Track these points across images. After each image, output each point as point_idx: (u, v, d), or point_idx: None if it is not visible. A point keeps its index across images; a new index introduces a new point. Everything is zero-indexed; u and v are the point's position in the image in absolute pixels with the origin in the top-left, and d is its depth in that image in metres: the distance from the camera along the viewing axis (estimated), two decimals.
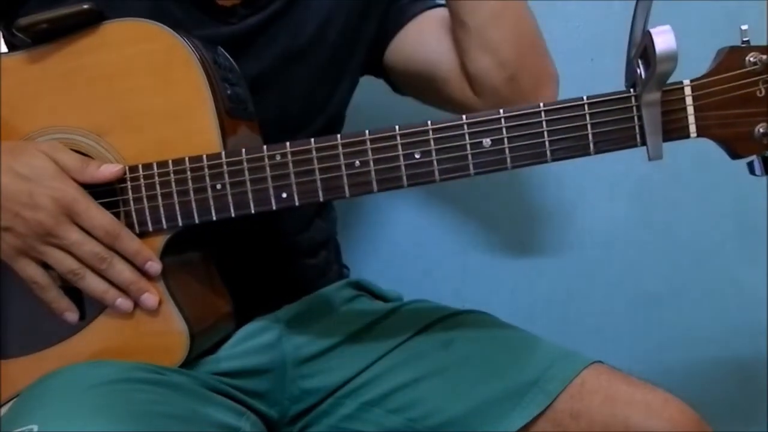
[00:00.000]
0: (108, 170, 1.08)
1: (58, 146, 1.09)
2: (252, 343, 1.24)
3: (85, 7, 1.08)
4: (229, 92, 1.11)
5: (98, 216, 1.07)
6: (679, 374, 1.79)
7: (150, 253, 1.09)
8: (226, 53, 1.17)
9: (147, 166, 1.09)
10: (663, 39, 0.89)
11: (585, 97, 1.00)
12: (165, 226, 1.09)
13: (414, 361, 1.26)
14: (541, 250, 1.77)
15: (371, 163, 1.04)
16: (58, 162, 1.06)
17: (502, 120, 1.01)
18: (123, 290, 1.09)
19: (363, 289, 1.44)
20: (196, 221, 1.08)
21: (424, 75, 1.37)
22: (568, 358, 1.19)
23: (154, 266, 1.09)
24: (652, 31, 0.89)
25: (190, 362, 1.13)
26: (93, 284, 1.08)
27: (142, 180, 1.09)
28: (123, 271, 1.08)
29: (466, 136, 1.02)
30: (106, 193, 1.09)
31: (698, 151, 1.65)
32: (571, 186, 1.73)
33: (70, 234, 1.06)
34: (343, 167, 1.04)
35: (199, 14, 1.22)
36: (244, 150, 1.06)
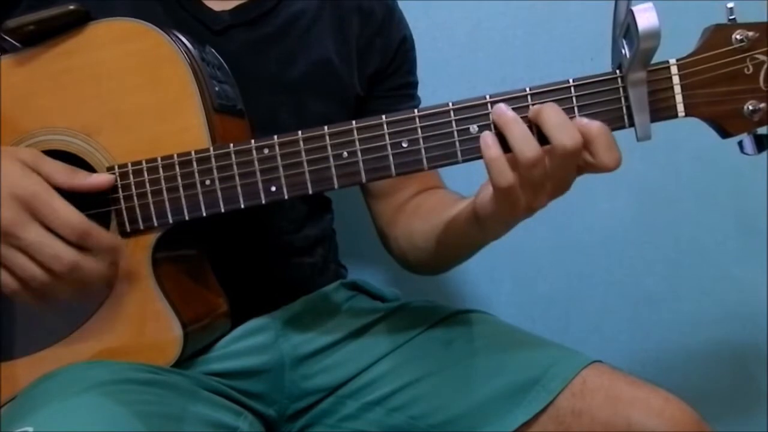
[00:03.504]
0: (97, 179, 1.07)
1: (41, 155, 1.06)
2: (247, 343, 1.24)
3: (72, 8, 1.08)
4: (217, 89, 1.11)
5: (63, 211, 1.02)
6: (679, 374, 1.79)
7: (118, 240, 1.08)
8: (214, 51, 1.17)
9: (136, 164, 1.08)
10: (645, 16, 0.89)
11: (571, 80, 1.00)
12: (156, 224, 1.09)
13: (415, 361, 1.26)
14: (541, 250, 1.77)
15: (359, 153, 1.03)
16: (41, 171, 1.03)
17: (489, 105, 1.01)
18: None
19: (358, 289, 1.43)
20: (186, 218, 1.08)
21: None
22: (570, 357, 1.19)
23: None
24: (634, 9, 0.89)
25: (183, 361, 1.13)
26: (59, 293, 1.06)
27: (131, 178, 1.09)
28: (93, 270, 1.05)
29: (453, 123, 1.01)
30: (96, 193, 1.08)
31: (698, 151, 1.67)
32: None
33: (29, 233, 1.00)
34: (331, 158, 1.04)
35: (182, 14, 1.23)
36: (232, 144, 1.06)
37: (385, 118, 1.03)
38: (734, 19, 0.98)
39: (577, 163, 0.99)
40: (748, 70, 0.97)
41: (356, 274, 1.50)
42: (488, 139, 0.99)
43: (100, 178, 1.07)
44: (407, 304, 1.39)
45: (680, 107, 0.99)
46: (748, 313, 1.76)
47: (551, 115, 0.97)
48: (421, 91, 1.45)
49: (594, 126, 0.97)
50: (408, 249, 1.34)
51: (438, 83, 1.62)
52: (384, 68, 1.37)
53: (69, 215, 1.02)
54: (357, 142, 1.03)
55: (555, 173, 0.99)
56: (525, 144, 0.97)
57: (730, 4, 0.97)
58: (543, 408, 1.15)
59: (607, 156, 0.97)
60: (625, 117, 0.99)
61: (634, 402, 1.12)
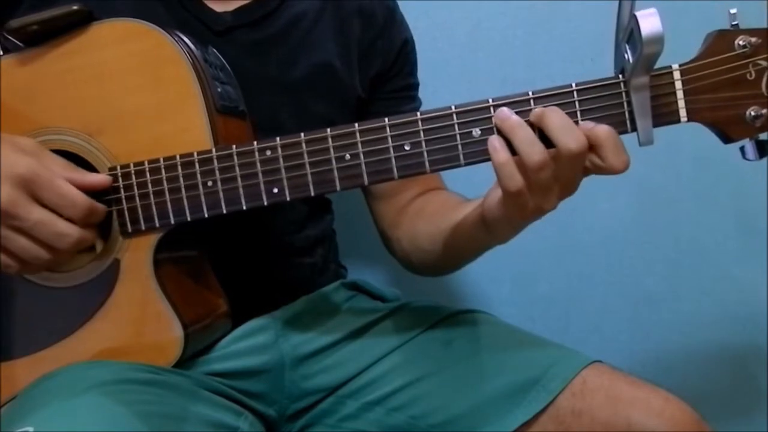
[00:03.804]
0: (95, 179, 1.07)
1: (40, 147, 1.07)
2: (247, 343, 1.24)
3: (75, 8, 1.08)
4: (219, 90, 1.11)
5: (68, 191, 1.03)
6: (679, 374, 1.79)
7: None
8: (216, 52, 1.17)
9: (138, 164, 1.09)
10: (649, 22, 0.88)
11: (574, 84, 0.99)
12: (157, 224, 1.09)
13: (415, 361, 1.26)
14: (541, 250, 1.77)
15: (361, 155, 1.03)
16: (42, 162, 1.03)
17: (492, 109, 1.00)
18: None
19: (358, 289, 1.43)
20: (188, 219, 1.08)
21: None
22: (570, 357, 1.20)
23: None
24: (638, 14, 0.89)
25: (184, 361, 1.13)
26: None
27: (133, 179, 1.09)
28: (91, 241, 1.08)
29: (456, 126, 1.01)
30: (98, 193, 1.08)
31: (698, 151, 1.66)
32: None
33: (32, 214, 1.01)
34: (334, 160, 1.04)
35: (184, 15, 1.22)
36: (234, 145, 1.06)
37: (388, 121, 1.03)
38: (737, 24, 0.98)
39: (584, 164, 0.99)
40: (751, 75, 0.97)
41: (356, 274, 1.50)
42: (496, 143, 0.99)
43: (98, 178, 1.08)
44: (407, 304, 1.39)
45: (682, 112, 0.99)
46: (748, 313, 1.76)
47: (554, 118, 0.97)
48: (422, 92, 1.45)
49: (602, 130, 0.97)
50: (412, 251, 1.34)
51: (438, 83, 1.62)
52: (386, 70, 1.37)
53: (75, 195, 1.03)
54: (359, 145, 1.03)
55: (562, 175, 0.99)
56: (530, 148, 0.97)
57: (733, 10, 0.97)
58: (543, 408, 1.15)
59: (616, 159, 0.98)
60: (628, 122, 0.99)
61: (634, 402, 1.12)
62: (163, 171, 1.08)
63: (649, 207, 1.76)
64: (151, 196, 1.08)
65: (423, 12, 1.67)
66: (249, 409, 1.21)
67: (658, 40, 0.89)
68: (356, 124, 1.04)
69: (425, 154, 1.02)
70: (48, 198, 1.02)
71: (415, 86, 1.44)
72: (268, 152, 1.05)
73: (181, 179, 1.07)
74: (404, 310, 1.37)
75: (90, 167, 1.10)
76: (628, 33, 0.93)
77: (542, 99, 1.00)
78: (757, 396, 1.78)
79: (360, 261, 1.68)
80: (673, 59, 0.99)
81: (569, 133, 0.96)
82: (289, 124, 1.26)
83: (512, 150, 0.99)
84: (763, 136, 0.99)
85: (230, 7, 1.24)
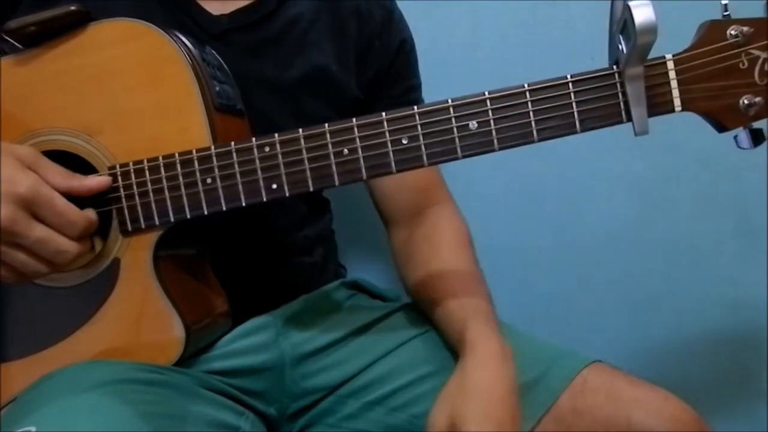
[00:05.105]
0: (93, 181, 1.08)
1: (39, 155, 1.06)
2: (248, 341, 1.24)
3: (73, 8, 1.09)
4: (217, 89, 1.11)
5: (66, 210, 1.03)
6: (679, 374, 1.79)
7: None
8: (214, 52, 1.17)
9: (137, 163, 1.09)
10: (642, 11, 0.89)
11: (569, 76, 1.00)
12: (157, 222, 1.09)
13: (416, 360, 1.27)
14: (541, 250, 1.77)
15: (359, 150, 1.04)
16: (38, 171, 1.03)
17: (488, 102, 1.01)
18: None
19: (358, 288, 1.44)
20: (188, 216, 1.08)
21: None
22: (570, 357, 1.20)
23: None
24: (631, 4, 0.90)
25: (185, 360, 1.13)
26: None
27: (133, 177, 1.09)
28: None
29: (453, 120, 1.02)
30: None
31: (698, 151, 1.66)
32: (570, 185, 1.74)
33: (33, 232, 1.01)
34: (332, 155, 1.05)
35: (181, 17, 1.23)
36: (233, 143, 1.07)
37: (385, 115, 1.04)
38: (728, 15, 0.98)
39: None
40: (743, 64, 0.98)
41: (356, 274, 1.50)
42: None
43: (98, 181, 1.08)
44: (408, 304, 1.39)
45: (677, 102, 0.99)
46: (748, 314, 1.76)
47: None
48: (422, 92, 1.45)
49: None
50: (404, 277, 1.38)
51: (438, 83, 1.62)
52: (384, 71, 1.38)
53: (72, 214, 1.03)
54: (357, 140, 1.04)
55: None
56: None
57: (725, 1, 0.98)
58: (545, 409, 1.15)
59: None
60: (623, 112, 1.00)
61: (634, 401, 1.12)
62: (162, 169, 1.08)
63: (649, 207, 1.76)
64: (151, 195, 1.09)
65: (423, 12, 1.67)
66: (249, 408, 1.22)
67: (651, 30, 0.90)
68: (354, 119, 1.04)
69: (423, 147, 1.03)
70: (47, 216, 1.02)
71: (417, 86, 1.44)
72: (267, 149, 1.06)
73: (181, 177, 1.08)
74: (405, 310, 1.37)
75: (89, 167, 1.11)
76: (622, 24, 0.94)
77: (538, 91, 1.01)
78: (757, 396, 1.78)
79: (360, 261, 1.69)
80: (667, 51, 1.00)
81: None
82: (286, 126, 1.26)
83: None
84: (757, 125, 1.00)
85: (227, 9, 1.24)
